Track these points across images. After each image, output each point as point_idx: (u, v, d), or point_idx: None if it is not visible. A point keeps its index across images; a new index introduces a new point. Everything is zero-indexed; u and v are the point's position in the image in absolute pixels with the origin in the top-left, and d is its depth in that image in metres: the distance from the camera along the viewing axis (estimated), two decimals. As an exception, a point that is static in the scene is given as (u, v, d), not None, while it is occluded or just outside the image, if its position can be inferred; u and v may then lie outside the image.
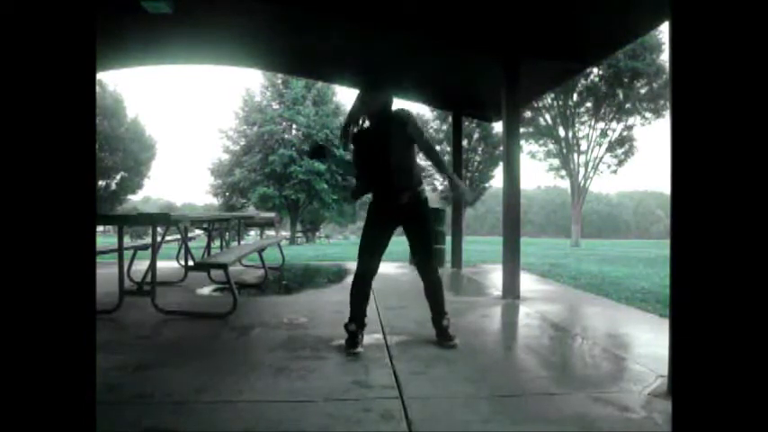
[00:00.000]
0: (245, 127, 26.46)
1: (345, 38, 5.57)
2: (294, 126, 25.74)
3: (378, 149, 3.02)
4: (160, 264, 4.52)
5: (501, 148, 14.87)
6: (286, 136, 25.43)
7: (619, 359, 2.91)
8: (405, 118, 3.02)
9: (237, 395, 2.24)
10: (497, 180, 26.44)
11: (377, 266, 3.13)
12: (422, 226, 3.13)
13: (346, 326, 3.05)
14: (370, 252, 3.10)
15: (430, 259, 3.17)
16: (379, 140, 3.02)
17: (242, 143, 26.56)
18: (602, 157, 23.24)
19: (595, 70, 20.64)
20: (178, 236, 5.60)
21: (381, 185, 3.10)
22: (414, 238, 3.16)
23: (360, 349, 2.95)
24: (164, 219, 4.04)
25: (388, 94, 3.12)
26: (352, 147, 3.13)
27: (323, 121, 25.48)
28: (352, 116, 3.08)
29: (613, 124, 22.72)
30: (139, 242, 6.37)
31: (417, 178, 3.14)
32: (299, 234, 27.93)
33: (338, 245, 21.63)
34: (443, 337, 3.10)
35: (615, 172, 24.03)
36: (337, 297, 4.93)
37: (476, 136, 25.23)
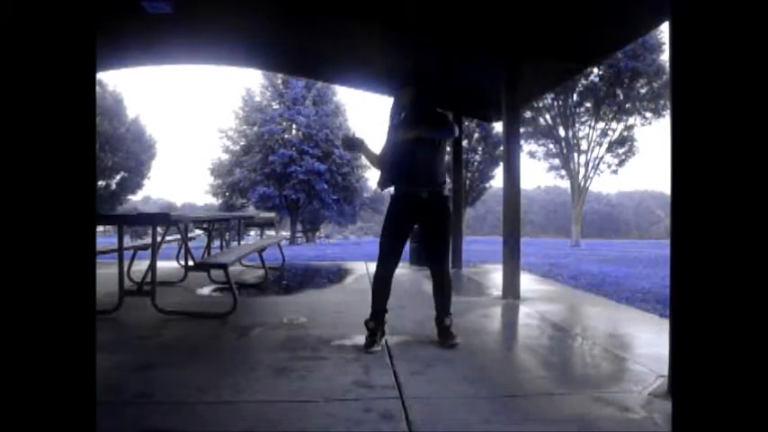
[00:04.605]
0: (245, 127, 26.43)
1: (346, 38, 5.57)
2: (294, 126, 25.72)
3: (403, 143, 3.06)
4: (160, 264, 4.51)
5: (501, 148, 14.86)
6: (286, 136, 25.39)
7: (619, 359, 2.91)
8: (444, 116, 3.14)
9: (238, 395, 2.24)
10: (497, 180, 26.39)
11: (395, 265, 3.15)
12: (440, 224, 3.14)
13: (366, 323, 3.07)
14: (390, 250, 3.12)
15: (444, 258, 3.20)
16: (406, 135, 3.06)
17: (242, 143, 26.52)
18: (602, 157, 23.19)
19: (595, 70, 20.57)
20: (178, 236, 5.60)
21: (404, 180, 3.11)
22: (430, 235, 3.18)
23: (377, 348, 2.96)
24: (164, 219, 4.04)
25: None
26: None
27: (323, 121, 25.45)
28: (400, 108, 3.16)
29: (613, 124, 22.67)
30: (139, 242, 6.37)
31: (441, 175, 3.16)
32: (299, 234, 27.90)
33: (338, 245, 21.62)
34: (445, 337, 3.09)
35: (615, 172, 23.96)
36: (337, 297, 4.93)
37: (476, 136, 25.16)
